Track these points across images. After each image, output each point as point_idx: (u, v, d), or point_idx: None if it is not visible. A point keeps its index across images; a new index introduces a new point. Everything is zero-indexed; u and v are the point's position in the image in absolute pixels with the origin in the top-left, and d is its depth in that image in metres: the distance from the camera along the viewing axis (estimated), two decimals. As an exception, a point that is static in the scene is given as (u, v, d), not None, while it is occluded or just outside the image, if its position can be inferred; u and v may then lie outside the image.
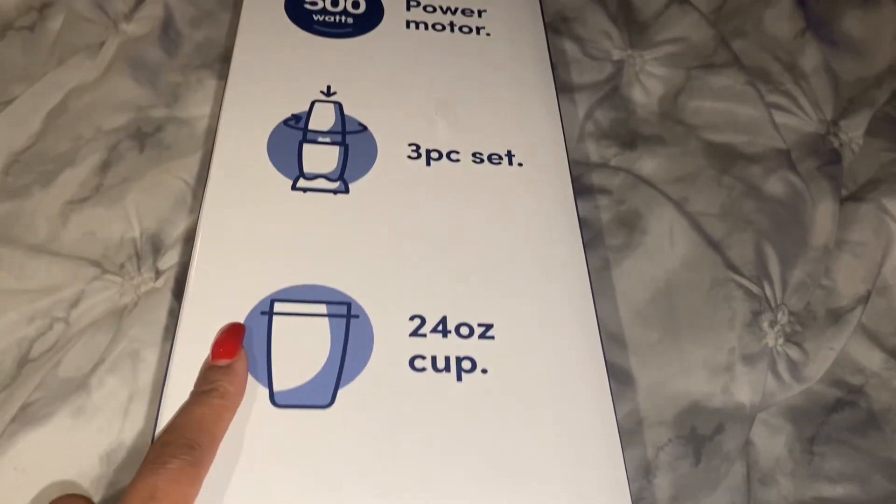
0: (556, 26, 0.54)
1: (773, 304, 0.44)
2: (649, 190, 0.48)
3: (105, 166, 0.45)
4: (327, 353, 0.32)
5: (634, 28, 0.56)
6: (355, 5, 0.46)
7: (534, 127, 0.42)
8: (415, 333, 0.34)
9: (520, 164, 0.40)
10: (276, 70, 0.42)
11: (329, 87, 0.41)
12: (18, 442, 0.35)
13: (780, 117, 0.53)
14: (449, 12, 0.47)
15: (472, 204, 0.38)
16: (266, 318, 0.33)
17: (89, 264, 0.41)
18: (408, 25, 0.46)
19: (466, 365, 0.33)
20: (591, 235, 0.46)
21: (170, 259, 0.41)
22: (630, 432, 0.39)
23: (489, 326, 0.34)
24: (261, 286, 0.34)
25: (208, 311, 0.33)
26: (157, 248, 0.42)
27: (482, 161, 0.40)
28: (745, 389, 0.41)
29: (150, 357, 0.37)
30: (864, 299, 0.46)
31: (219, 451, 0.29)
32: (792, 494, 0.40)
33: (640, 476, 0.38)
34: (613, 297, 0.44)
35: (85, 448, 0.35)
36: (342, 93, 0.41)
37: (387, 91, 0.42)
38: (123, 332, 0.38)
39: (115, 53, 0.49)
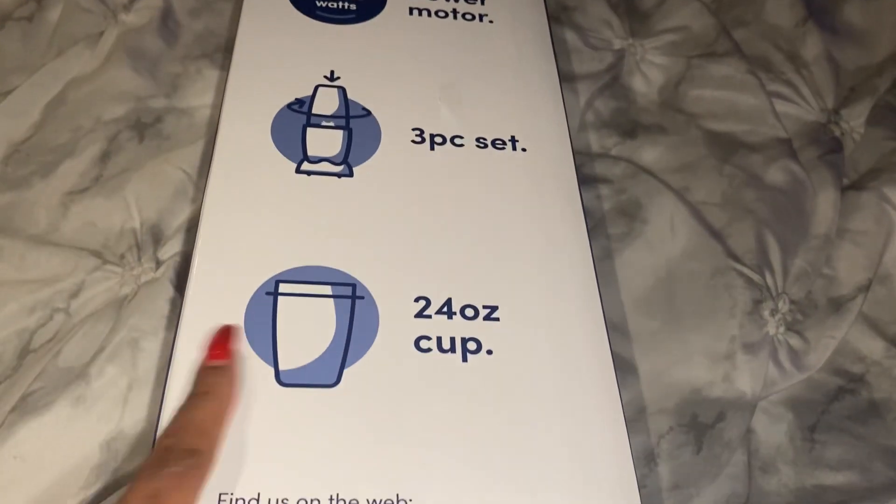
0: (556, 15, 0.54)
1: (774, 293, 0.44)
2: (650, 179, 0.48)
3: (105, 157, 0.45)
4: (333, 334, 0.33)
5: (635, 17, 0.56)
6: (358, -9, 0.46)
7: (537, 112, 0.42)
8: (420, 315, 0.34)
9: (523, 150, 0.40)
10: (280, 55, 0.42)
11: (332, 73, 0.42)
12: (19, 431, 0.35)
13: (781, 106, 0.53)
14: None
15: (476, 188, 0.39)
16: (271, 298, 0.33)
17: (90, 255, 0.41)
18: (411, 12, 0.46)
19: (472, 346, 0.33)
20: (592, 225, 0.46)
21: (170, 249, 0.41)
22: (631, 420, 0.39)
23: (494, 308, 0.34)
24: (265, 267, 0.34)
25: (214, 291, 0.33)
26: (157, 238, 0.42)
27: (486, 146, 0.40)
28: (746, 378, 0.41)
29: (150, 346, 0.37)
30: (865, 288, 0.46)
31: (226, 430, 0.29)
32: (793, 482, 0.40)
33: (642, 464, 0.38)
34: (614, 286, 0.44)
35: (85, 436, 0.35)
36: (346, 78, 0.42)
37: (390, 76, 0.42)
38: (123, 322, 0.38)
39: (115, 44, 0.49)
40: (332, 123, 0.39)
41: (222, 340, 0.31)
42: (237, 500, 0.28)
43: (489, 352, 0.33)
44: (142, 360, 0.37)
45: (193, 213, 0.43)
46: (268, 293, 0.33)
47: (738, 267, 0.44)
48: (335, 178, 0.37)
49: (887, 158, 0.51)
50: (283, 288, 0.33)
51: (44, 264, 0.40)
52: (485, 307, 0.34)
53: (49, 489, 0.34)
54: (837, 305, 0.45)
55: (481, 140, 0.40)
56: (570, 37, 0.54)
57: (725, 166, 0.49)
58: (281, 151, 0.38)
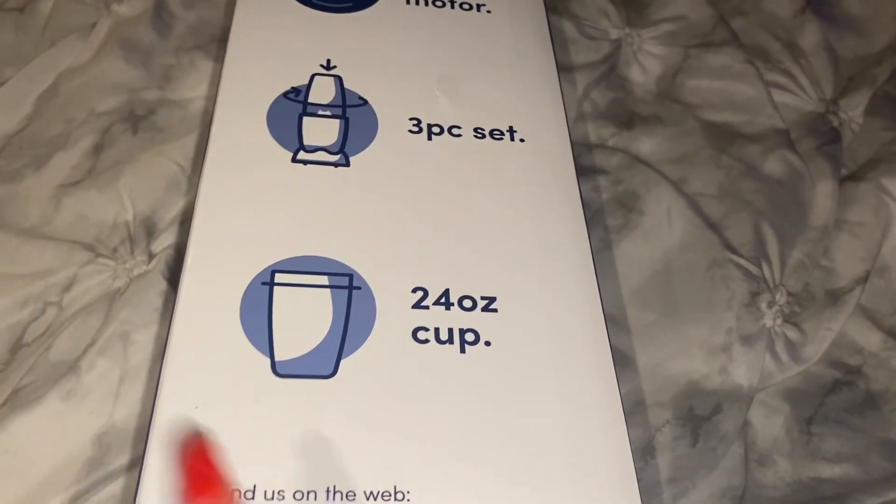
0: (553, 5, 0.54)
1: (771, 285, 0.44)
2: (647, 170, 0.47)
3: (98, 149, 0.44)
4: (329, 324, 0.32)
5: (632, 7, 0.55)
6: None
7: (535, 103, 0.42)
8: (417, 305, 0.34)
9: (521, 140, 0.40)
10: (275, 43, 0.42)
11: (329, 61, 0.41)
12: (10, 425, 0.34)
13: (779, 96, 0.52)
14: None
15: (474, 178, 0.38)
16: (267, 288, 0.33)
17: (82, 248, 0.41)
18: (408, 1, 0.45)
19: (470, 337, 0.33)
20: (590, 216, 0.45)
21: (162, 242, 0.41)
22: (628, 413, 0.39)
23: (492, 299, 0.34)
24: (261, 257, 0.34)
25: (209, 280, 0.33)
26: (150, 231, 0.42)
27: (484, 136, 0.40)
28: (742, 370, 0.41)
29: (141, 339, 0.37)
30: (863, 279, 0.46)
31: (221, 421, 0.29)
32: (789, 475, 0.40)
33: (639, 457, 0.38)
34: (612, 278, 0.43)
35: (76, 430, 0.35)
36: (342, 67, 0.41)
37: (387, 66, 0.42)
38: (114, 315, 0.38)
39: (107, 35, 0.48)
40: (328, 113, 0.39)
41: (207, 472, 0.25)
42: (233, 491, 0.28)
43: (487, 343, 0.33)
44: (133, 354, 0.37)
45: (186, 205, 0.43)
46: (263, 283, 0.33)
47: (736, 259, 0.44)
48: (332, 167, 0.37)
49: (886, 149, 0.51)
50: (279, 278, 0.33)
51: (36, 258, 0.40)
52: (483, 298, 0.34)
53: (41, 483, 0.33)
54: (835, 297, 0.45)
55: (479, 130, 0.40)
56: (568, 27, 0.53)
57: (723, 157, 0.49)
58: (277, 140, 0.38)
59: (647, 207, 0.46)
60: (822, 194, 0.48)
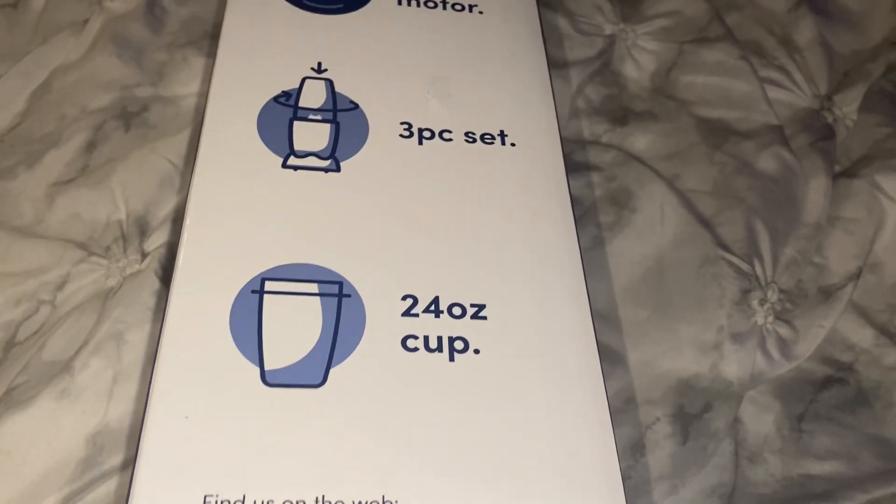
0: (547, 1, 0.54)
1: (763, 282, 0.44)
2: (640, 167, 0.47)
3: (90, 146, 0.44)
4: (319, 333, 0.32)
5: (627, 2, 0.55)
6: (346, -19, 0.45)
7: (527, 107, 0.42)
8: (407, 313, 0.33)
9: (512, 144, 0.40)
10: (266, 46, 0.41)
11: (320, 64, 0.41)
12: (3, 425, 0.35)
13: (773, 92, 0.52)
14: None
15: (465, 184, 0.38)
16: (257, 296, 0.33)
17: (75, 247, 0.41)
18: (399, 2, 0.45)
19: (459, 345, 0.33)
20: (582, 213, 0.45)
21: (155, 241, 0.41)
22: (618, 411, 0.39)
23: (482, 307, 0.34)
24: (252, 264, 0.34)
25: (199, 288, 0.33)
26: (142, 230, 0.42)
27: (475, 140, 0.40)
28: (733, 367, 0.41)
29: (134, 338, 0.37)
30: (856, 276, 0.46)
31: (210, 431, 0.29)
32: (780, 472, 0.40)
33: (628, 455, 0.38)
34: (605, 276, 0.43)
35: (70, 430, 0.35)
36: (333, 70, 0.41)
37: (378, 69, 0.42)
38: (107, 314, 0.38)
39: (99, 31, 0.48)
40: (319, 117, 0.39)
41: None
42: (222, 501, 0.28)
43: (476, 351, 0.33)
44: (127, 353, 0.37)
45: (179, 203, 0.43)
46: (253, 291, 0.33)
47: (728, 256, 0.44)
48: (322, 172, 0.37)
49: (880, 145, 0.51)
50: (269, 286, 0.33)
51: (29, 256, 0.40)
52: (472, 306, 0.34)
53: (34, 483, 0.34)
54: (827, 294, 0.45)
55: (470, 135, 0.40)
56: (562, 23, 0.53)
57: (716, 154, 0.49)
58: (267, 146, 0.37)
59: (639, 204, 0.46)
60: (816, 191, 0.48)
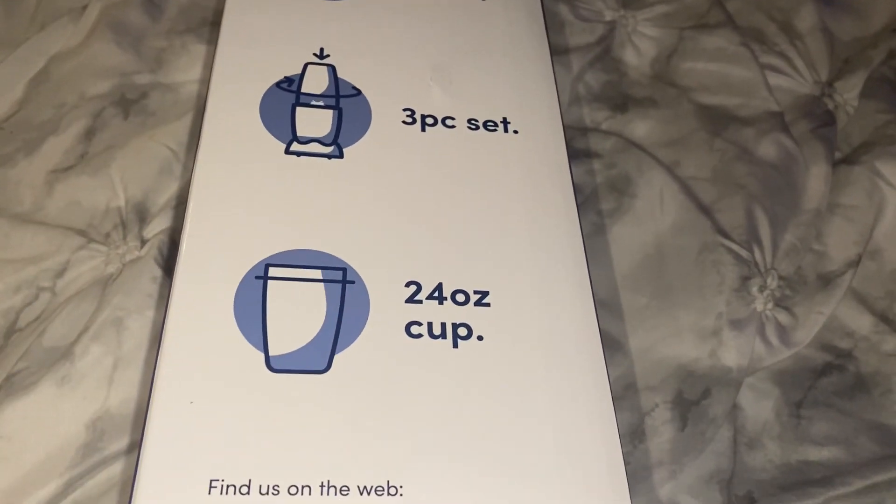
0: (547, -13, 0.53)
1: (762, 269, 0.44)
2: (640, 154, 0.47)
3: (89, 134, 0.44)
4: (323, 319, 0.32)
5: (627, -12, 0.55)
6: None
7: (529, 94, 0.42)
8: (411, 300, 0.33)
9: (515, 132, 0.40)
10: (268, 32, 0.41)
11: (322, 50, 0.41)
12: (4, 411, 0.35)
13: (774, 79, 0.52)
14: None
15: (468, 170, 0.38)
16: (261, 282, 0.33)
17: (75, 234, 0.41)
18: None
19: (462, 332, 0.33)
20: (583, 200, 0.45)
21: (155, 227, 0.41)
22: (617, 397, 0.39)
23: (485, 294, 0.34)
24: (255, 250, 0.33)
25: (203, 274, 0.33)
26: (142, 216, 0.42)
27: (478, 128, 0.40)
28: (732, 354, 0.41)
29: (134, 325, 0.37)
30: (855, 263, 0.46)
31: (215, 416, 0.29)
32: (778, 458, 0.40)
33: (627, 441, 0.38)
34: (606, 263, 0.43)
35: (70, 416, 0.35)
36: (335, 56, 0.41)
37: (381, 54, 0.42)
38: (107, 301, 0.38)
39: (98, 18, 0.48)
40: (321, 103, 0.39)
41: None
42: (227, 486, 0.28)
43: (480, 338, 0.33)
44: (127, 339, 0.37)
45: (179, 190, 0.43)
46: (257, 277, 0.33)
47: (727, 243, 0.44)
48: (325, 159, 0.37)
49: (880, 132, 0.51)
50: (273, 272, 0.33)
51: (29, 243, 0.40)
52: (476, 292, 0.34)
53: (35, 469, 0.34)
54: (827, 281, 0.45)
55: (473, 122, 0.40)
56: (563, 9, 0.53)
57: (716, 140, 0.49)
58: (270, 132, 0.37)
59: (639, 191, 0.46)
60: (816, 178, 0.48)
